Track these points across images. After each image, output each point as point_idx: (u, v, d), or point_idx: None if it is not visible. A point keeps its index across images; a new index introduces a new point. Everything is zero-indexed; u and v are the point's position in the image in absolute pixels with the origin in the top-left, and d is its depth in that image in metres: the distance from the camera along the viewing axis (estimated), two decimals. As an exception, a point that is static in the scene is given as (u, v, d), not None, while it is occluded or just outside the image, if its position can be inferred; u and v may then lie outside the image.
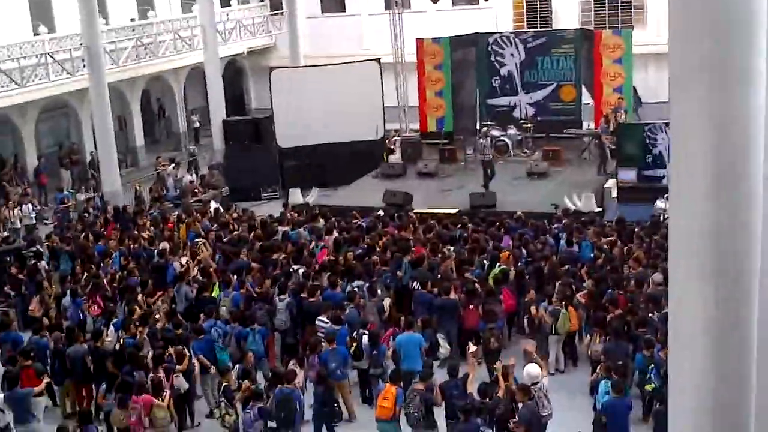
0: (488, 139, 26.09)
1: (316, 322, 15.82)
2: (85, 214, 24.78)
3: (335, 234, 20.41)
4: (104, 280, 18.42)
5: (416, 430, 12.99)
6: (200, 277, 18.18)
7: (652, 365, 13.36)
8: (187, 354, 14.73)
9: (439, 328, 15.84)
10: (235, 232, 21.36)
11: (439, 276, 17.13)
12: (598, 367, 13.84)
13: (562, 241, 18.98)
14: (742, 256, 7.07)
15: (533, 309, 15.88)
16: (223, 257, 19.42)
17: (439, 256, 18.25)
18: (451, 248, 18.82)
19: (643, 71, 33.48)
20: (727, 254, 7.02)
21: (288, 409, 13.09)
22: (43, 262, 20.56)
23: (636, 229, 19.56)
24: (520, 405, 12.33)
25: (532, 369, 12.84)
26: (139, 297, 17.34)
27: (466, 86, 31.91)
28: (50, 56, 29.68)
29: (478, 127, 31.15)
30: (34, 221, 25.97)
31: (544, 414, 12.56)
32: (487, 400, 12.65)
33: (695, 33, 6.81)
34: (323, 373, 13.92)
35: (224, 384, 13.83)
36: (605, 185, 25.00)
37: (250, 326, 15.62)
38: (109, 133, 27.82)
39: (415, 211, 23.54)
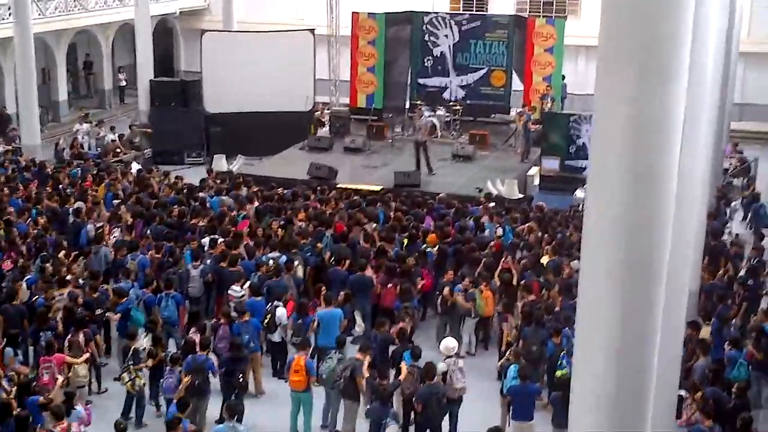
0: (427, 119, 25.89)
1: (229, 291, 15.74)
2: (2, 168, 24.09)
3: (256, 203, 20.28)
4: (17, 236, 17.98)
5: (345, 398, 13.17)
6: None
7: (563, 352, 13.60)
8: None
9: (354, 305, 15.89)
10: (157, 196, 21.05)
11: (361, 254, 17.12)
12: (508, 351, 14.06)
13: (491, 225, 19.12)
14: (651, 248, 7.23)
15: (446, 290, 16.00)
16: (141, 221, 19.14)
17: (361, 232, 18.24)
18: (373, 225, 18.84)
19: (573, 62, 33.96)
20: (638, 246, 7.18)
21: (201, 377, 13.06)
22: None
23: (553, 218, 19.85)
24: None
25: (449, 342, 13.25)
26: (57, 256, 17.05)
27: (399, 64, 31.90)
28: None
29: (407, 106, 31.19)
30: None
31: (458, 386, 12.83)
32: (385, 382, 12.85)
33: (623, 28, 6.93)
34: (236, 342, 13.84)
35: (132, 347, 13.66)
36: (528, 173, 25.31)
37: (165, 291, 15.46)
38: (31, 85, 27.11)
39: (339, 185, 23.50)
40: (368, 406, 12.77)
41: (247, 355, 14.10)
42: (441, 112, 29.23)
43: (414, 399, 12.48)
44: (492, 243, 17.90)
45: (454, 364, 12.93)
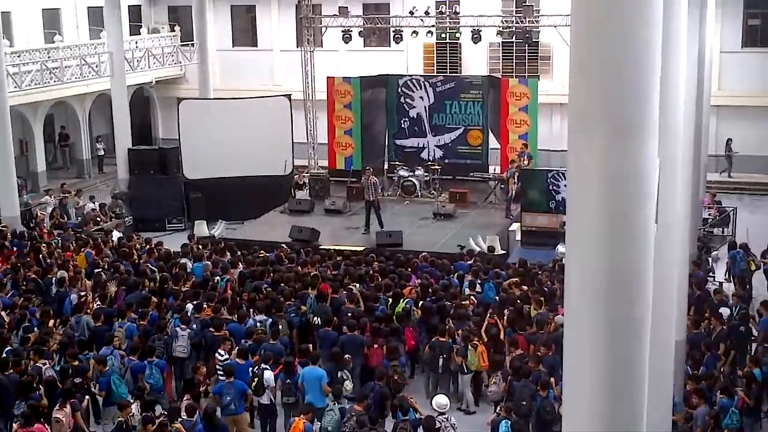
0: (370, 179, 25.85)
1: (216, 355, 15.65)
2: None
3: (240, 267, 20.24)
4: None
5: None
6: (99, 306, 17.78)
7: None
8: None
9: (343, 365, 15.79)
10: (138, 263, 20.98)
11: (348, 314, 17.08)
12: (498, 407, 14.05)
13: (466, 282, 19.16)
14: (633, 300, 7.28)
15: (455, 357, 15.94)
16: (125, 288, 19.03)
17: (344, 293, 18.24)
18: (357, 285, 18.84)
19: (548, 120, 34.39)
20: (620, 299, 7.23)
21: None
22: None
23: (537, 272, 19.90)
24: None
25: (441, 399, 13.39)
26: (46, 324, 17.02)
27: (376, 126, 32.22)
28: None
29: (385, 167, 31.42)
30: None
31: None
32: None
33: (592, 86, 7.05)
34: (209, 409, 13.65)
35: (120, 419, 13.45)
36: (510, 228, 25.46)
37: (148, 359, 15.32)
38: (9, 157, 26.95)
39: (321, 247, 23.51)
40: None
41: (221, 423, 13.87)
42: (420, 172, 29.48)
43: None
44: (466, 300, 17.92)
45: (446, 420, 12.98)
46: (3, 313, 17.76)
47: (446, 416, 13.10)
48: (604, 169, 7.03)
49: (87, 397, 14.81)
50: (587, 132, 7.09)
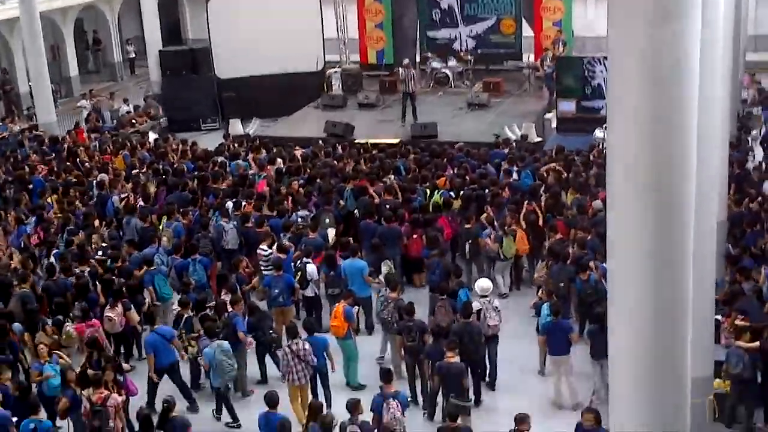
0: (408, 70, 25.62)
1: (258, 250, 15.88)
2: (21, 146, 24.19)
3: (278, 163, 20.34)
4: (44, 212, 18.12)
5: (390, 333, 13.87)
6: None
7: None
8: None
9: (383, 255, 15.98)
10: (175, 163, 21.15)
11: (386, 205, 17.18)
12: (540, 290, 14.24)
13: (503, 170, 19.11)
14: (678, 179, 7.24)
15: (481, 240, 16.07)
16: (164, 188, 19.24)
17: (382, 185, 18.30)
18: (393, 177, 18.88)
19: (582, 5, 33.58)
20: (664, 179, 7.19)
21: (233, 332, 13.27)
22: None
23: (574, 158, 19.79)
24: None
25: (484, 283, 13.71)
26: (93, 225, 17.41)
27: (407, 18, 31.66)
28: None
29: (418, 59, 31.05)
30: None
31: (491, 324, 13.16)
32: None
33: None
34: (254, 305, 14.02)
35: (185, 316, 13.74)
36: (545, 116, 25.23)
37: (191, 257, 15.57)
38: (41, 63, 27.00)
39: (356, 141, 23.50)
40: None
41: (268, 314, 14.25)
42: (452, 63, 29.13)
43: (450, 334, 12.63)
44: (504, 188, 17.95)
45: (488, 302, 13.29)
46: (51, 215, 18.06)
47: (488, 299, 13.36)
48: (647, 48, 6.91)
49: (147, 299, 15.12)
50: (628, 14, 6.95)
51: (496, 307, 13.37)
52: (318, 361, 12.74)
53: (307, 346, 12.59)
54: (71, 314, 14.21)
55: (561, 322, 13.00)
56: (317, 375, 12.98)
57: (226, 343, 12.81)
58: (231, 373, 12.90)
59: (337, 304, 13.80)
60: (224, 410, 13.14)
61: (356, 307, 14.38)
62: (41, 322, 13.85)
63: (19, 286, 14.68)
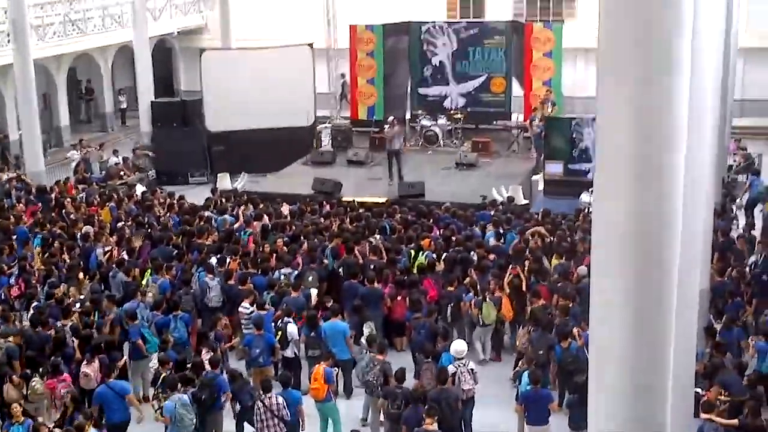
0: (394, 128, 25.63)
1: (239, 309, 15.79)
2: (8, 196, 24.13)
3: (264, 220, 20.31)
4: (27, 262, 18.03)
5: (373, 397, 13.70)
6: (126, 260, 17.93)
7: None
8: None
9: (365, 318, 15.91)
10: (161, 217, 21.11)
11: (370, 266, 17.13)
12: (519, 359, 14.18)
13: (489, 233, 19.11)
14: (662, 246, 7.23)
15: (463, 304, 16.01)
16: (149, 242, 19.18)
17: (367, 245, 18.27)
18: (378, 237, 18.86)
19: (572, 65, 33.95)
20: (648, 244, 7.18)
21: (210, 393, 13.12)
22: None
23: (560, 222, 19.81)
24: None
25: (459, 345, 13.58)
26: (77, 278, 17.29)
27: (398, 75, 31.91)
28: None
29: (408, 117, 31.23)
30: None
31: (465, 387, 13.12)
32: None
33: (622, 24, 6.93)
34: (235, 373, 13.81)
35: (163, 374, 13.59)
36: (532, 178, 25.31)
37: (173, 313, 15.47)
38: (33, 111, 27.06)
39: (344, 199, 23.51)
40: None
41: (247, 381, 14.14)
42: (442, 121, 29.30)
43: (427, 400, 12.51)
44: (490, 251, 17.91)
45: (464, 365, 13.26)
46: (33, 266, 17.95)
47: (464, 361, 13.31)
48: (635, 108, 6.94)
49: (125, 356, 14.96)
50: (617, 72, 6.99)
51: (472, 370, 13.31)
52: (291, 417, 12.67)
53: (280, 400, 12.57)
54: (41, 369, 14.06)
55: (541, 391, 12.87)
56: None
57: (185, 397, 12.75)
58: (190, 428, 12.77)
59: (316, 366, 13.69)
60: None
61: (336, 369, 14.27)
62: (8, 374, 13.70)
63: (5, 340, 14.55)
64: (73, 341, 14.77)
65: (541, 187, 24.62)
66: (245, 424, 13.74)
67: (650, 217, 7.13)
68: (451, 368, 13.15)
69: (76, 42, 33.82)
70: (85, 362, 14.15)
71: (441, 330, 14.94)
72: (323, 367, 13.49)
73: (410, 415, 12.34)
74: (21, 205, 22.62)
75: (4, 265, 17.99)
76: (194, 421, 12.78)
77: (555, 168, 24.36)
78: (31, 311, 15.79)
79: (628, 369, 7.42)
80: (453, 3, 37.45)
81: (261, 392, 12.76)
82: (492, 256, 17.65)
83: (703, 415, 11.98)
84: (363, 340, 14.82)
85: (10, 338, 14.55)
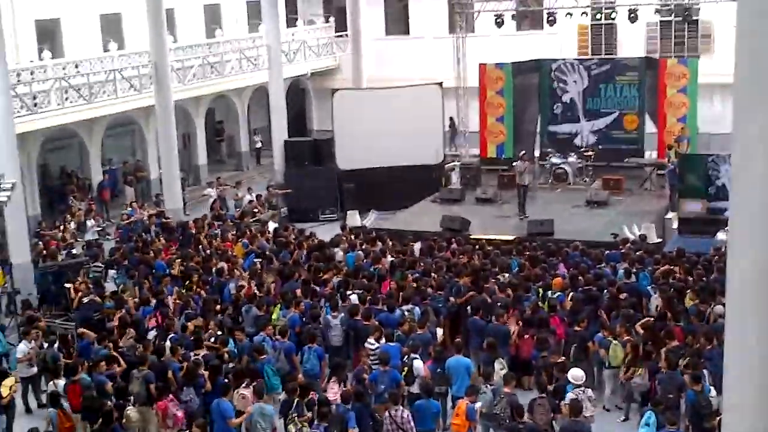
0: (525, 163, 25.76)
1: (365, 344, 15.87)
2: (147, 231, 25.12)
3: (390, 257, 20.46)
4: (166, 296, 18.64)
5: (498, 431, 13.60)
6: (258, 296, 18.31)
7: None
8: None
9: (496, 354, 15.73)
10: (293, 253, 21.53)
11: (498, 303, 17.01)
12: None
13: (620, 272, 18.70)
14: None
15: (591, 344, 15.70)
16: (281, 278, 19.58)
17: (494, 282, 18.15)
18: (506, 275, 18.72)
19: (708, 101, 33.04)
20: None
21: (341, 428, 13.18)
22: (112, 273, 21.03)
23: (696, 261, 19.21)
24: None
25: (576, 372, 13.59)
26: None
27: (528, 112, 31.82)
28: (119, 73, 30.23)
29: (537, 154, 31.02)
30: (97, 236, 26.43)
31: (587, 415, 13.00)
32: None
33: (760, 61, 6.73)
34: (360, 390, 13.90)
35: (297, 400, 13.62)
36: (666, 216, 24.69)
37: (308, 345, 15.70)
38: (173, 150, 28.19)
39: (472, 236, 23.47)
40: None
41: (369, 403, 14.07)
42: (572, 158, 28.98)
43: None
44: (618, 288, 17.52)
45: (582, 392, 13.17)
46: (170, 300, 18.57)
47: (582, 389, 13.16)
48: None
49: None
50: (754, 108, 6.78)
51: (591, 397, 13.19)
52: (427, 425, 13.26)
53: (406, 414, 12.75)
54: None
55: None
56: None
57: (269, 407, 13.29)
58: None
59: (459, 402, 13.70)
60: None
61: (478, 404, 14.10)
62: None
63: (139, 369, 15.08)
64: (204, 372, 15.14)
65: (675, 225, 23.98)
66: None
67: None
68: (570, 395, 13.02)
69: (214, 84, 35.06)
70: (244, 385, 14.42)
71: (559, 366, 14.57)
72: (466, 403, 13.44)
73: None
74: (161, 240, 23.49)
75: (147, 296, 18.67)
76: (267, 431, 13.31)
77: (694, 206, 23.71)
78: (168, 342, 16.29)
79: (764, 411, 7.13)
80: (584, 41, 37.06)
81: (390, 402, 13.08)
82: (623, 296, 17.23)
83: None
84: (496, 377, 14.66)
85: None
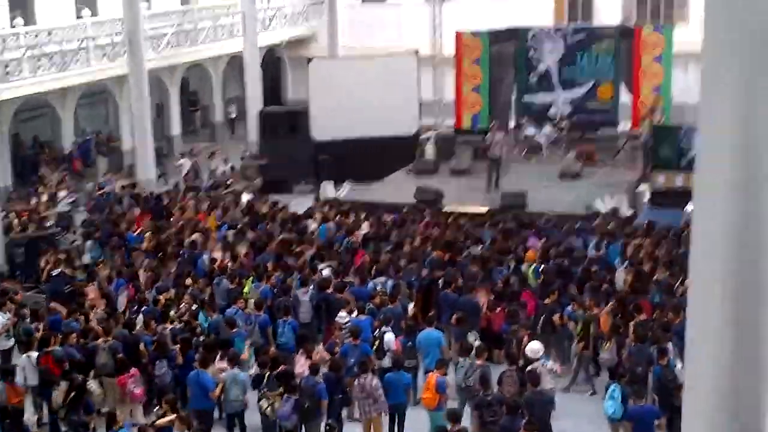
0: (497, 134, 25.66)
1: (337, 318, 15.89)
2: (119, 203, 25.00)
3: (364, 230, 20.47)
4: (138, 268, 18.60)
5: (471, 401, 13.62)
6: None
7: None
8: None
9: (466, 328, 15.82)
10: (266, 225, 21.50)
11: (469, 276, 17.06)
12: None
13: (591, 245, 18.81)
14: (762, 254, 6.94)
15: (556, 317, 15.79)
16: (253, 250, 19.54)
17: (465, 255, 18.21)
18: (478, 248, 18.77)
19: (683, 71, 33.01)
20: (748, 256, 6.89)
21: (312, 400, 13.25)
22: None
23: (666, 235, 19.31)
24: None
25: (534, 345, 13.68)
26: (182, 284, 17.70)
27: (504, 82, 31.52)
28: (92, 41, 29.79)
29: (512, 125, 30.94)
30: (68, 208, 26.23)
31: (547, 387, 13.03)
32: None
33: (728, 21, 6.67)
34: (340, 363, 13.98)
35: (269, 374, 13.72)
36: (637, 189, 24.73)
37: (283, 318, 15.70)
38: (146, 120, 27.95)
39: (445, 208, 23.48)
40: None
41: (343, 377, 14.11)
42: (547, 129, 28.95)
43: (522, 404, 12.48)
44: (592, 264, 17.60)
45: (542, 365, 13.26)
46: (141, 273, 18.52)
47: (541, 361, 13.25)
48: (737, 114, 6.63)
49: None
50: (719, 72, 6.73)
51: (551, 370, 13.36)
52: (399, 398, 13.42)
53: (375, 381, 12.99)
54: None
55: (646, 407, 12.68)
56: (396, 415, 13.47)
57: (243, 374, 13.68)
58: (234, 404, 13.50)
59: (429, 375, 13.72)
60: None
61: (450, 377, 14.13)
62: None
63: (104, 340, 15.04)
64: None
65: (647, 197, 24.02)
66: None
67: (749, 225, 6.77)
68: (529, 367, 13.11)
69: (188, 52, 34.69)
70: (218, 358, 14.41)
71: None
72: (436, 376, 13.46)
73: (508, 425, 12.21)
74: (136, 211, 23.35)
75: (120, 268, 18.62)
76: (240, 399, 13.61)
77: (664, 178, 23.68)
78: (141, 315, 16.25)
79: (725, 386, 7.13)
80: (560, 7, 36.89)
81: (359, 370, 13.25)
82: (594, 269, 17.34)
83: None
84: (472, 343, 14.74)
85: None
